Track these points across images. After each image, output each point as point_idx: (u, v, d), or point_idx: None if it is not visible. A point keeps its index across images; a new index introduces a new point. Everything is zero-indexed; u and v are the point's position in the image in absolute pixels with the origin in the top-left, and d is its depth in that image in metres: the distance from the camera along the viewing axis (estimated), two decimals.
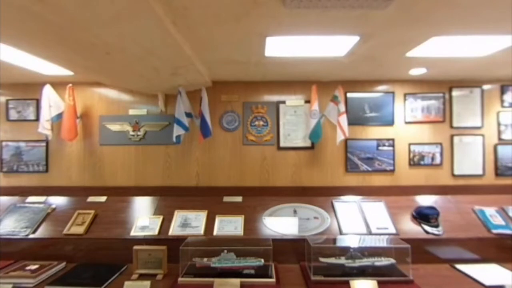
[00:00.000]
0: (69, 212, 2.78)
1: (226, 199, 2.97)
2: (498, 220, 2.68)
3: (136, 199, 2.98)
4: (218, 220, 2.70)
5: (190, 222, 2.69)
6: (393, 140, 3.11)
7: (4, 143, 3.14)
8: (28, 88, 3.14)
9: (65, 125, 2.90)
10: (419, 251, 2.40)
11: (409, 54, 2.30)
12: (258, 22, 1.72)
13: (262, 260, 2.21)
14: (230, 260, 2.20)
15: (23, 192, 3.03)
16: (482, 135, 3.13)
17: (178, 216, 2.75)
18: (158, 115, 3.14)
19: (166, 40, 1.79)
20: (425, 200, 2.93)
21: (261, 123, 3.14)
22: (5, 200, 2.96)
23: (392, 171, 3.11)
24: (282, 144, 3.13)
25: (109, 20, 1.51)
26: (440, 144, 3.13)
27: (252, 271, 2.19)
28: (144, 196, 3.00)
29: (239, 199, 2.96)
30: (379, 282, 2.05)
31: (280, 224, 2.68)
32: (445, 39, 2.00)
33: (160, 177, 3.12)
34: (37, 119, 3.06)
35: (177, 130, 2.78)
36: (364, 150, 3.11)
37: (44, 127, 2.90)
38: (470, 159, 3.12)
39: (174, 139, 2.80)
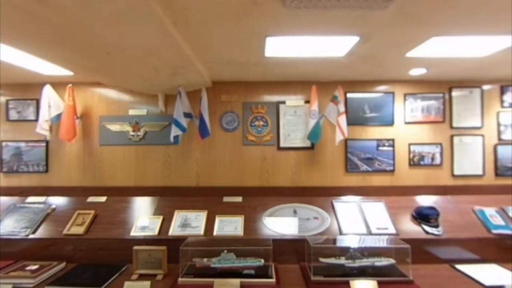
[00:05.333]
0: (69, 212, 2.78)
1: (226, 199, 2.97)
2: (498, 220, 2.68)
3: (136, 199, 2.98)
4: (218, 220, 2.70)
5: (190, 222, 2.69)
6: (393, 140, 3.11)
7: (4, 143, 3.14)
8: (28, 88, 3.14)
9: (63, 125, 2.89)
10: (419, 251, 2.40)
11: (409, 54, 2.30)
12: (258, 22, 1.72)
13: (262, 260, 2.21)
14: (230, 260, 2.20)
15: (23, 192, 3.03)
16: (482, 135, 3.13)
17: (178, 216, 2.75)
18: (158, 115, 3.14)
19: (166, 40, 1.79)
20: (425, 200, 2.93)
21: (261, 123, 3.14)
22: (5, 200, 2.96)
23: (392, 171, 3.11)
24: (282, 144, 3.13)
25: (109, 20, 1.51)
26: (440, 144, 3.13)
27: (252, 271, 2.19)
28: (144, 196, 3.00)
29: (239, 199, 2.96)
30: (379, 282, 2.05)
31: (280, 224, 2.68)
32: (445, 39, 2.00)
33: (160, 177, 3.12)
34: (37, 119, 3.04)
35: (175, 131, 2.78)
36: (364, 150, 3.11)
37: (42, 127, 2.90)
38: (470, 159, 3.12)
39: (171, 139, 2.80)
